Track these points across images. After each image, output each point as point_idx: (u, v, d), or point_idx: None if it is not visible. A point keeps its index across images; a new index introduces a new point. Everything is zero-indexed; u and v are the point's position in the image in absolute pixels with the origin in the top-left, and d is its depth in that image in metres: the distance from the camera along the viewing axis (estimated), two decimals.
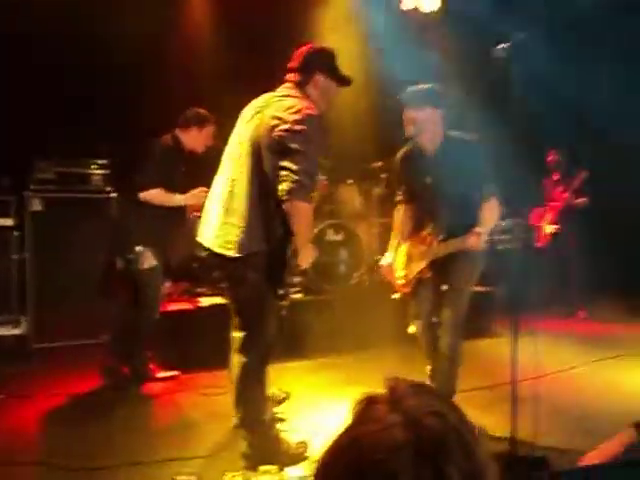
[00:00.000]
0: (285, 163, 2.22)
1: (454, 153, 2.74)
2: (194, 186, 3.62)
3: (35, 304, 4.36)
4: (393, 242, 3.16)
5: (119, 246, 3.93)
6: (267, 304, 2.40)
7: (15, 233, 4.41)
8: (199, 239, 2.50)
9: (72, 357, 4.10)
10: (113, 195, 4.65)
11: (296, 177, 2.19)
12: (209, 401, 3.32)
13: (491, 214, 2.77)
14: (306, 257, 2.40)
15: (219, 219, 2.40)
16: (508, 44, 2.39)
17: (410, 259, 3.06)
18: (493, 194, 2.78)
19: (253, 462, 2.41)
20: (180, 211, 3.81)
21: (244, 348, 2.43)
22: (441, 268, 2.91)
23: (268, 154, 2.32)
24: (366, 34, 5.61)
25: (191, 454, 2.62)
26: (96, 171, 4.66)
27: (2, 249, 4.36)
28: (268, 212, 2.34)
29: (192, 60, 5.28)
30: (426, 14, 6.05)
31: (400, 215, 3.13)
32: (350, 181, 5.42)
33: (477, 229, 2.70)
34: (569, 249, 5.76)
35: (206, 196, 2.67)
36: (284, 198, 2.22)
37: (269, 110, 2.37)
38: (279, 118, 2.30)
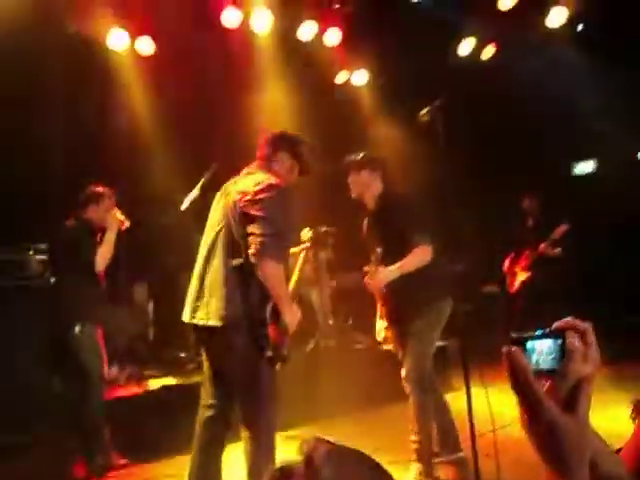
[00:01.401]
0: (250, 229, 2.41)
1: (391, 206, 3.11)
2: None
3: None
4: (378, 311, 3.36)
5: (59, 327, 3.77)
6: (261, 368, 2.46)
7: None
8: (185, 320, 2.62)
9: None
10: (52, 280, 4.47)
11: (260, 239, 2.36)
12: None
13: (411, 259, 2.94)
14: (292, 319, 2.50)
15: (198, 295, 2.55)
16: (430, 108, 2.57)
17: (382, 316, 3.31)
18: (421, 243, 2.96)
19: None
20: (122, 291, 3.76)
21: (249, 423, 2.46)
22: (403, 328, 3.09)
23: (236, 226, 2.49)
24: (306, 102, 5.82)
25: None
26: (34, 256, 4.50)
27: None
28: (243, 281, 2.46)
29: (127, 149, 5.31)
30: (357, 87, 6.42)
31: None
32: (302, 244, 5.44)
33: (383, 269, 2.93)
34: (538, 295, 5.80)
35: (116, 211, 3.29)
36: (253, 261, 2.38)
37: (236, 187, 2.59)
38: (243, 192, 2.50)
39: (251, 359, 2.44)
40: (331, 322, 5.33)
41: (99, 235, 3.79)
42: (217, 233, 2.58)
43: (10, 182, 4.64)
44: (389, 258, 3.00)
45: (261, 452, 2.44)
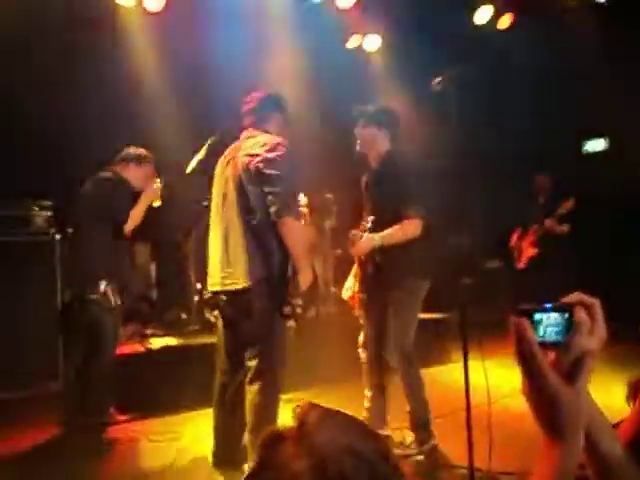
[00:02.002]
0: (268, 189, 2.44)
1: (390, 172, 2.94)
2: None
3: None
4: (352, 271, 3.24)
5: (76, 286, 3.65)
6: (276, 330, 2.55)
7: None
8: (213, 289, 2.66)
9: (22, 409, 3.85)
10: (57, 237, 4.49)
11: (281, 197, 2.42)
12: (158, 449, 3.17)
13: (399, 229, 2.84)
14: (305, 278, 2.54)
15: (221, 264, 2.60)
16: (444, 77, 2.48)
17: (356, 277, 3.16)
18: (413, 216, 2.86)
19: None
20: (126, 246, 3.72)
21: (257, 376, 2.53)
22: (382, 296, 2.99)
23: (251, 187, 2.51)
24: (312, 67, 5.72)
25: None
26: (39, 213, 4.50)
27: None
28: (263, 243, 2.52)
29: (135, 101, 5.24)
30: (369, 52, 6.29)
31: None
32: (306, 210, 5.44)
33: (371, 235, 2.83)
34: (545, 272, 5.80)
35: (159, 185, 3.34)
36: (275, 220, 2.43)
37: (241, 152, 2.59)
38: (252, 154, 2.51)
39: (269, 316, 2.52)
40: (333, 290, 5.35)
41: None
42: (229, 199, 2.60)
43: (15, 137, 4.62)
44: (380, 225, 2.87)
45: (267, 405, 2.53)
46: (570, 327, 0.74)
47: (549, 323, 0.77)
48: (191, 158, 4.03)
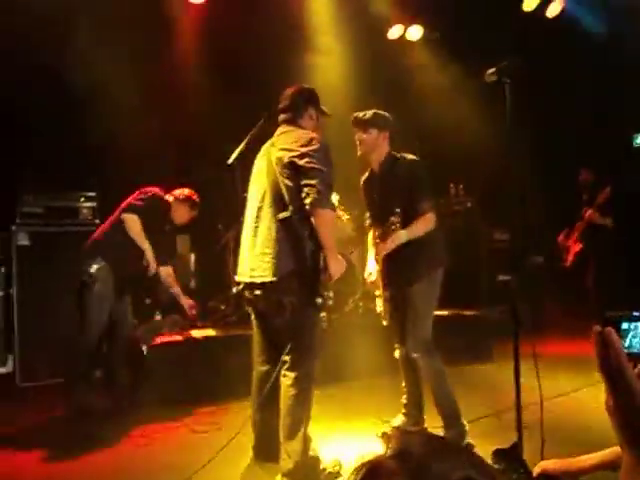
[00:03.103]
0: (304, 181, 2.47)
1: (396, 171, 3.05)
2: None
3: (21, 341, 4.23)
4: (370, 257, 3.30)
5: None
6: (308, 323, 2.58)
7: (1, 269, 4.32)
8: (242, 279, 2.70)
9: (59, 395, 3.96)
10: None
11: (316, 189, 2.43)
12: (201, 439, 3.20)
13: (418, 226, 2.94)
14: (336, 269, 2.56)
15: (251, 255, 2.65)
16: (499, 68, 2.40)
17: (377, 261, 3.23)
18: (429, 210, 2.97)
19: (295, 479, 2.50)
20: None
21: (292, 368, 2.57)
22: (403, 290, 3.06)
23: (285, 181, 2.55)
24: (353, 62, 5.66)
25: None
26: (84, 204, 4.61)
27: None
28: (295, 236, 2.54)
29: (178, 99, 5.28)
30: (411, 42, 6.18)
31: (372, 238, 3.28)
32: (341, 207, 5.40)
33: (395, 235, 2.89)
34: (590, 268, 5.64)
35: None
36: (310, 211, 2.45)
37: (275, 148, 2.65)
38: (287, 149, 2.57)
39: (300, 309, 2.54)
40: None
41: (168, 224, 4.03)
42: (263, 192, 2.65)
43: (63, 133, 4.71)
44: (387, 220, 2.94)
45: (300, 398, 2.56)
46: None
47: (637, 333, 0.72)
48: (233, 149, 4.05)
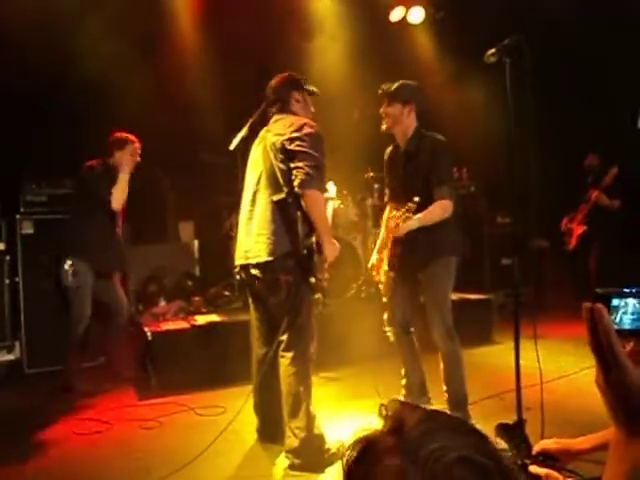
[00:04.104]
0: (294, 164, 2.56)
1: (420, 150, 2.95)
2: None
3: (28, 328, 4.28)
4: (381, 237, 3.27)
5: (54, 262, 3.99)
6: (304, 302, 2.64)
7: (6, 257, 4.34)
8: (238, 262, 2.79)
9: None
10: None
11: (304, 170, 2.52)
12: (205, 422, 3.24)
13: (435, 210, 2.86)
14: (330, 251, 2.63)
15: (246, 237, 2.73)
16: (499, 47, 2.37)
17: (383, 246, 3.17)
18: (445, 196, 2.88)
19: (300, 457, 2.57)
20: (169, 228, 3.91)
21: (288, 347, 2.64)
22: (414, 275, 3.02)
23: (279, 164, 2.62)
24: (355, 46, 5.61)
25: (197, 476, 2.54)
26: None
27: None
28: (288, 218, 2.61)
29: (180, 86, 5.25)
30: (413, 25, 6.11)
31: (386, 215, 3.24)
32: (344, 192, 5.39)
33: (411, 218, 2.79)
34: (594, 250, 5.62)
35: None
36: (298, 191, 2.53)
37: (270, 134, 2.72)
38: (280, 134, 2.65)
39: (295, 289, 2.60)
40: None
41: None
42: (259, 176, 2.72)
43: (77, 122, 4.71)
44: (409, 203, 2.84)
45: (299, 376, 2.62)
46: None
47: (627, 309, 0.72)
48: (234, 136, 4.03)
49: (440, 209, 2.87)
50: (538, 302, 3.74)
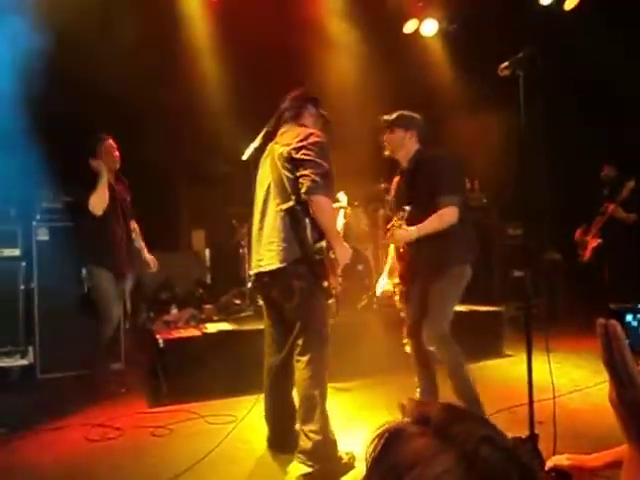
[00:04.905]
0: (300, 172, 2.61)
1: (423, 167, 3.07)
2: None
3: (42, 334, 4.32)
4: (386, 267, 3.41)
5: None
6: (317, 307, 2.68)
7: (22, 263, 4.40)
8: (253, 272, 2.87)
9: (79, 387, 4.05)
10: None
11: (310, 177, 2.57)
12: (215, 431, 3.25)
13: (434, 220, 2.92)
14: (342, 254, 2.69)
15: (258, 247, 2.79)
16: (513, 60, 2.39)
17: (392, 273, 3.30)
18: (447, 204, 2.93)
19: (313, 461, 2.56)
20: (181, 237, 3.96)
21: (304, 352, 2.66)
22: (423, 286, 3.06)
23: (286, 173, 2.67)
24: (369, 58, 5.65)
25: None
26: None
27: (9, 279, 4.35)
28: (298, 223, 2.65)
29: (193, 95, 5.31)
30: (425, 37, 6.15)
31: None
32: (356, 203, 5.41)
33: (405, 228, 2.89)
34: (609, 264, 5.59)
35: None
36: (305, 198, 2.58)
37: (278, 145, 2.78)
38: (287, 144, 2.71)
39: (308, 294, 2.64)
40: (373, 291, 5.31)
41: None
42: (267, 187, 2.78)
43: (76, 130, 4.77)
44: (415, 217, 2.94)
45: (314, 380, 2.63)
46: None
47: None
48: (247, 146, 4.07)
49: (438, 218, 2.92)
50: (550, 315, 3.72)
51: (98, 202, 3.88)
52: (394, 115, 3.17)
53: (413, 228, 2.90)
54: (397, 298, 3.27)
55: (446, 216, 2.93)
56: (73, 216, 4.39)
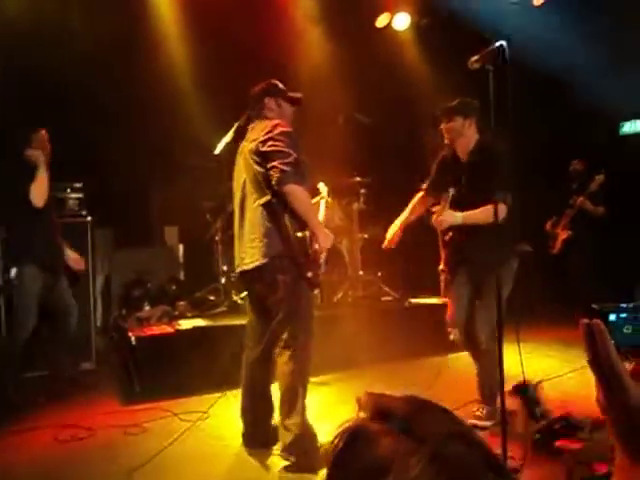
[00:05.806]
0: (269, 164, 2.62)
1: (486, 160, 3.02)
2: None
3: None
4: (403, 214, 3.44)
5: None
6: (301, 300, 2.70)
7: None
8: (236, 270, 2.89)
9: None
10: (89, 219, 4.56)
11: (279, 168, 2.57)
12: (191, 428, 3.22)
13: (484, 212, 2.84)
14: (324, 240, 2.68)
15: (240, 245, 2.79)
16: (482, 54, 2.40)
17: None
18: (500, 201, 2.84)
19: (294, 455, 2.58)
20: (153, 232, 3.81)
21: (288, 345, 2.66)
22: (473, 278, 3.13)
23: (258, 168, 2.68)
24: (341, 51, 5.63)
25: None
26: (70, 195, 4.56)
27: None
28: (277, 216, 2.66)
29: (165, 88, 5.22)
30: (398, 31, 6.15)
31: (416, 199, 3.45)
32: (329, 197, 5.39)
33: (453, 213, 2.93)
34: (578, 256, 5.70)
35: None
36: (277, 189, 2.58)
37: (247, 142, 2.81)
38: (255, 139, 2.73)
39: (292, 287, 2.65)
40: (361, 273, 5.32)
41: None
42: (243, 184, 2.78)
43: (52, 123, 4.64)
44: (462, 205, 2.97)
45: (296, 374, 2.64)
46: None
47: (625, 325, 0.70)
48: (219, 140, 4.03)
49: (485, 212, 2.83)
50: (524, 306, 3.77)
51: (39, 193, 3.63)
52: (454, 102, 3.13)
53: (460, 214, 2.93)
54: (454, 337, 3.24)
55: (492, 212, 2.78)
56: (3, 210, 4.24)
